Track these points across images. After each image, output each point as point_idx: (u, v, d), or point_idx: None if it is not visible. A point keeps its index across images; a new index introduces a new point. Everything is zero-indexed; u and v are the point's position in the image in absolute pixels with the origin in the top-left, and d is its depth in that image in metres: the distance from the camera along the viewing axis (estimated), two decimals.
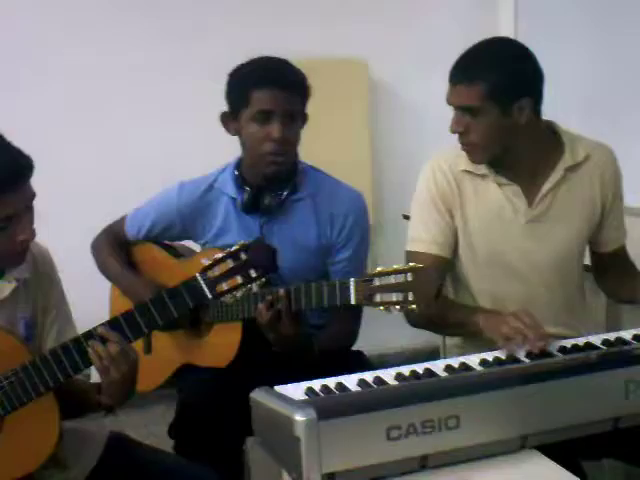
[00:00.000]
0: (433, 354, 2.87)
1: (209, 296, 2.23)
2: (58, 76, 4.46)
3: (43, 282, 2.45)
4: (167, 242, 3.10)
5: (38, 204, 2.28)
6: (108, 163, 4.52)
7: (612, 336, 2.42)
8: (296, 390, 2.11)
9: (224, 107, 2.88)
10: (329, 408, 1.88)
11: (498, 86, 2.58)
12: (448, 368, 2.23)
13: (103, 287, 3.13)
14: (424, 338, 2.93)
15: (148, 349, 3.01)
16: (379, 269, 2.34)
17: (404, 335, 2.88)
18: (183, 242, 3.15)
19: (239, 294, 2.23)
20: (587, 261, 2.98)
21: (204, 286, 2.22)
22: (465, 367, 2.24)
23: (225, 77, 2.87)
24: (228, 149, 2.93)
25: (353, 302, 2.41)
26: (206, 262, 2.23)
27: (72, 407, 2.39)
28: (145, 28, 4.59)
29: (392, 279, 2.30)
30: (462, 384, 2.04)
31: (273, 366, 2.60)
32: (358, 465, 1.88)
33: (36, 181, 2.26)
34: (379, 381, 2.15)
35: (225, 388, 2.71)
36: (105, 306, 3.15)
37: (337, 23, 4.85)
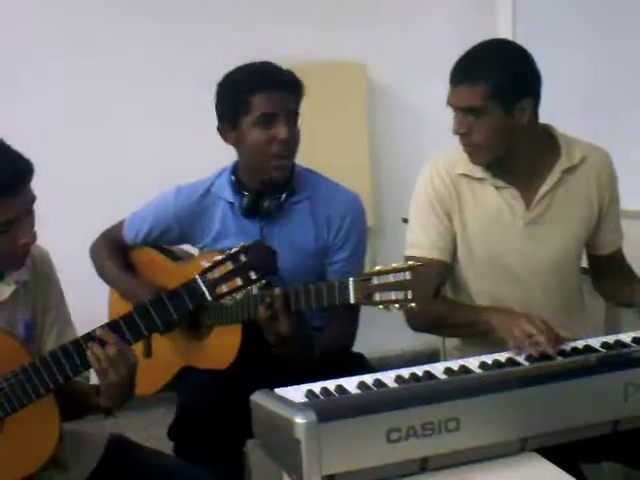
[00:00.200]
0: (433, 357, 2.88)
1: (209, 298, 2.23)
2: (57, 78, 4.46)
3: (42, 283, 2.46)
4: (165, 246, 3.10)
5: (37, 207, 2.28)
6: (107, 166, 4.52)
7: (611, 339, 2.43)
8: (296, 393, 2.11)
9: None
10: (329, 410, 1.89)
11: (500, 86, 2.59)
12: (448, 371, 2.24)
13: (102, 290, 3.14)
14: (424, 340, 2.93)
15: (148, 353, 3.01)
16: (377, 268, 2.34)
17: (404, 338, 2.89)
18: (182, 246, 3.15)
19: (239, 296, 2.23)
20: (585, 264, 2.99)
21: (204, 288, 2.22)
22: (465, 370, 2.24)
23: None
24: (227, 152, 2.92)
25: (352, 301, 2.41)
26: (206, 264, 2.23)
27: (71, 409, 2.39)
28: (144, 29, 4.59)
29: (391, 278, 2.30)
30: (462, 387, 2.04)
31: (273, 369, 2.60)
32: (358, 467, 1.88)
33: (34, 184, 2.26)
34: (379, 383, 2.16)
35: (225, 390, 2.71)
36: (104, 309, 3.15)
37: (335, 26, 4.85)
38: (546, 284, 2.82)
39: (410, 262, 2.30)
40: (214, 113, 2.88)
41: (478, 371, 2.24)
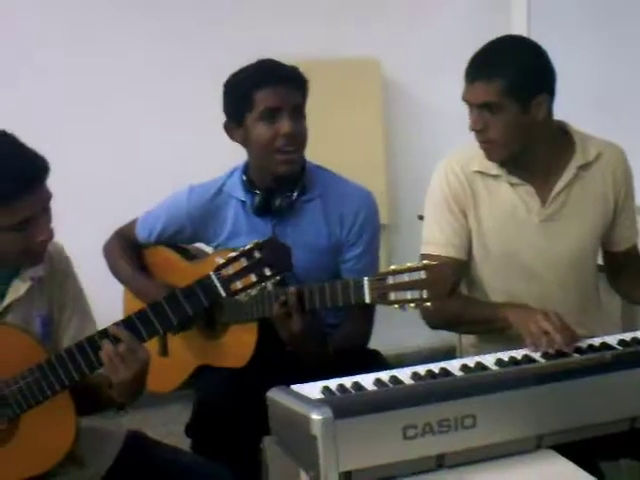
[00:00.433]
0: (449, 354, 2.87)
1: (223, 294, 2.23)
2: (64, 76, 4.46)
3: (58, 279, 2.47)
4: (179, 244, 3.11)
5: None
6: (117, 165, 4.52)
7: (628, 336, 2.43)
8: (312, 389, 2.11)
9: None
10: (345, 407, 1.89)
11: (517, 82, 2.59)
12: (464, 367, 2.24)
13: (116, 289, 3.14)
14: (440, 337, 2.93)
15: (164, 351, 3.02)
16: (392, 267, 2.34)
17: (420, 335, 2.89)
18: (195, 244, 3.16)
19: (253, 292, 2.24)
20: (601, 261, 2.99)
21: (218, 284, 2.23)
22: (481, 367, 2.24)
23: None
24: (238, 150, 2.93)
25: (367, 301, 2.41)
26: (220, 261, 2.24)
27: (86, 403, 2.41)
28: (146, 28, 4.58)
29: (406, 277, 2.31)
30: (478, 384, 2.04)
31: (289, 365, 2.61)
32: (375, 464, 1.89)
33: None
34: (395, 380, 2.16)
35: (242, 387, 2.72)
36: (119, 306, 3.16)
37: (350, 23, 4.85)
38: (562, 281, 2.82)
39: (425, 261, 2.31)
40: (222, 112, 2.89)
41: (494, 368, 2.24)
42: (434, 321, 2.84)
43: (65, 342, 2.42)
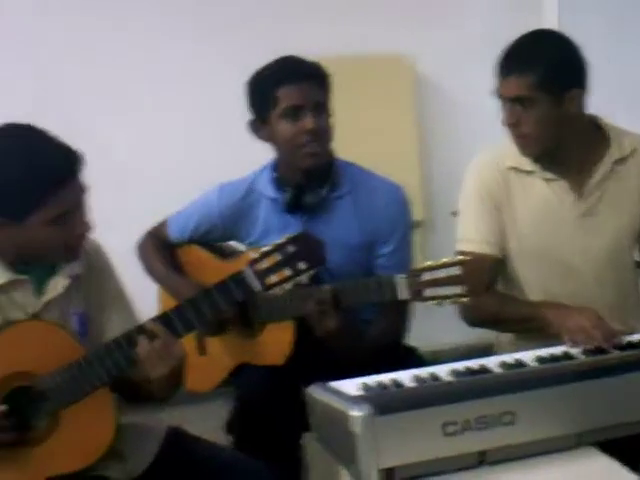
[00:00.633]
0: (486, 351, 2.86)
1: (258, 288, 2.24)
2: (102, 72, 4.47)
3: (96, 277, 2.47)
4: (212, 243, 3.12)
5: None
6: (150, 164, 4.52)
7: None
8: (351, 386, 2.12)
9: None
10: (385, 404, 1.90)
11: (549, 75, 2.59)
12: (503, 364, 2.23)
13: (151, 289, 3.15)
14: (478, 334, 2.92)
15: (202, 350, 3.03)
16: (428, 263, 2.34)
17: (458, 331, 2.88)
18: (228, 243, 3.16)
19: (288, 286, 2.24)
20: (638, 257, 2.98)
21: (252, 279, 2.23)
22: (520, 363, 2.24)
23: None
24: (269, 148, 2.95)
25: (401, 297, 2.42)
26: (254, 256, 2.25)
27: (127, 397, 2.44)
28: (185, 26, 4.59)
29: (441, 273, 2.31)
30: (517, 380, 2.05)
31: (328, 362, 2.61)
32: (415, 460, 1.90)
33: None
34: (434, 377, 2.16)
35: (281, 385, 2.72)
36: (154, 308, 3.16)
37: (382, 20, 4.84)
38: (599, 276, 2.80)
39: (460, 256, 2.30)
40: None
41: (533, 365, 2.24)
42: (472, 319, 2.83)
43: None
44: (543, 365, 2.23)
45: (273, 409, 2.73)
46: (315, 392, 2.07)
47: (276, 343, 2.82)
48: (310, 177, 2.84)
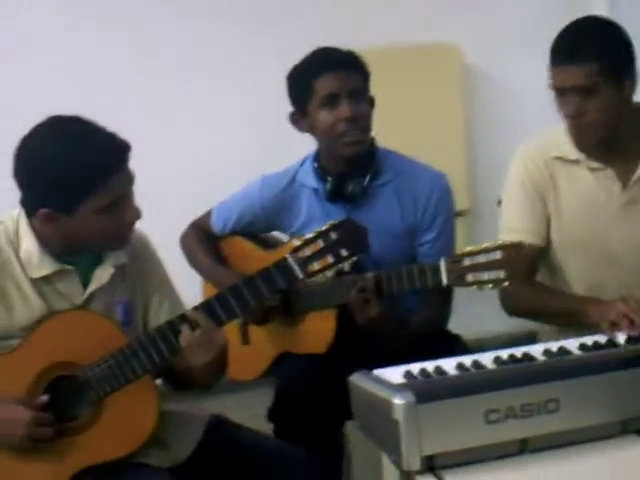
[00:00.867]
0: (531, 338, 2.85)
1: (300, 276, 2.24)
2: (144, 68, 4.50)
3: (141, 267, 2.49)
4: (255, 234, 3.13)
5: None
6: (194, 156, 4.53)
7: None
8: (394, 374, 2.11)
9: None
10: (428, 391, 1.90)
11: (612, 62, 2.57)
12: (547, 352, 2.22)
13: (196, 279, 3.17)
14: (522, 322, 2.91)
15: (245, 340, 3.05)
16: (469, 249, 2.36)
17: (502, 319, 2.86)
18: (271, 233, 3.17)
19: (330, 274, 2.25)
20: None
21: (295, 266, 2.24)
22: (564, 351, 2.22)
23: None
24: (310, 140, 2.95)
25: (445, 283, 2.44)
26: (297, 243, 2.25)
27: (172, 384, 2.49)
28: (227, 15, 4.59)
29: (482, 258, 2.33)
30: (561, 368, 2.04)
31: (370, 350, 2.62)
32: (457, 448, 1.89)
33: None
34: (477, 365, 2.15)
35: (323, 373, 2.74)
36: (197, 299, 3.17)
37: (429, 9, 4.81)
38: None
39: (500, 241, 2.30)
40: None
41: (577, 352, 2.22)
42: (512, 309, 2.83)
43: None
44: (587, 353, 2.21)
45: (315, 397, 2.75)
46: (358, 380, 2.07)
47: (318, 332, 2.83)
48: (351, 166, 2.85)
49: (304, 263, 2.24)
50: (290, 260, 2.24)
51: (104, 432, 2.29)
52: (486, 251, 2.32)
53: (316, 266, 2.23)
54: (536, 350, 2.23)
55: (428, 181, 2.91)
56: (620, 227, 2.74)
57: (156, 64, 4.46)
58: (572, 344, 2.27)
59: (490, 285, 2.31)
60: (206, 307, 2.29)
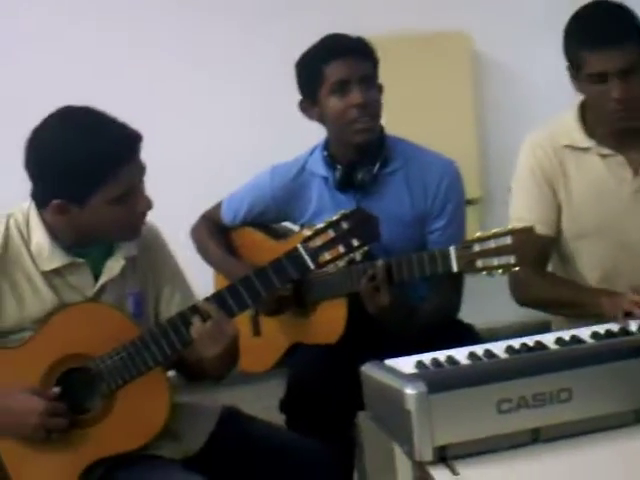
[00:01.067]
0: (542, 327, 2.85)
1: (311, 266, 2.24)
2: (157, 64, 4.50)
3: (152, 259, 2.49)
4: (265, 224, 3.13)
5: None
6: (204, 147, 4.54)
7: None
8: (406, 364, 2.10)
9: None
10: (439, 381, 1.89)
11: None
12: (559, 341, 2.21)
13: (207, 271, 3.17)
14: (534, 312, 2.91)
15: (256, 331, 3.05)
16: (478, 234, 2.37)
17: (514, 308, 2.86)
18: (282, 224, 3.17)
19: (341, 263, 2.24)
20: None
21: (306, 256, 2.24)
22: (576, 340, 2.21)
23: None
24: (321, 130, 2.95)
25: (455, 269, 2.44)
26: (308, 234, 2.24)
27: (184, 375, 2.49)
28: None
29: (492, 243, 2.33)
30: (574, 357, 2.02)
31: (382, 340, 2.62)
32: (469, 438, 1.88)
33: None
34: (489, 354, 2.14)
35: (335, 363, 2.74)
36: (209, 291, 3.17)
37: None
38: None
39: (510, 226, 2.30)
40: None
41: (590, 341, 2.21)
42: (523, 299, 2.83)
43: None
44: (600, 341, 2.20)
45: (326, 388, 2.75)
46: (370, 370, 2.06)
47: (329, 322, 2.83)
48: (361, 154, 2.84)
49: (315, 253, 2.23)
50: (301, 250, 2.24)
51: (116, 424, 2.29)
52: (496, 236, 2.33)
53: (327, 256, 2.23)
54: (548, 339, 2.22)
55: (438, 168, 2.90)
56: (632, 213, 2.73)
57: (164, 56, 4.48)
58: (584, 332, 2.26)
59: (500, 271, 2.31)
60: (217, 298, 2.29)
